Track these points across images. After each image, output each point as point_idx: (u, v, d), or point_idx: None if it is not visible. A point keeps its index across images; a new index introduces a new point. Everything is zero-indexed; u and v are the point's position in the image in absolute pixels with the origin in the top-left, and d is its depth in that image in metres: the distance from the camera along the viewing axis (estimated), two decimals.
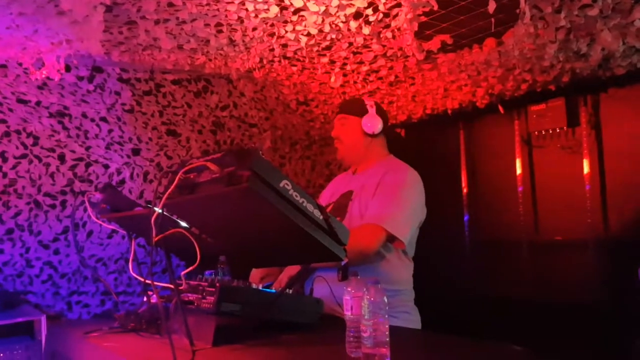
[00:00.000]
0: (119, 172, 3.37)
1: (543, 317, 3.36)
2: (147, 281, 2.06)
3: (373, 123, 2.27)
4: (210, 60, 2.94)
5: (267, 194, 1.54)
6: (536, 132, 3.60)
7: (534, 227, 3.66)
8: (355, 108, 2.29)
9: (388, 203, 2.11)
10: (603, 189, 3.31)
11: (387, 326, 1.48)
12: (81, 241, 3.27)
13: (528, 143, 3.70)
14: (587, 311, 3.21)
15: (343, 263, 1.88)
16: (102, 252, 3.35)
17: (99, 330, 2.31)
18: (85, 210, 3.20)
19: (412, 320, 2.22)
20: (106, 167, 3.32)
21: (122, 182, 3.38)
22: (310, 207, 1.66)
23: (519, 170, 3.74)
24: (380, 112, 2.30)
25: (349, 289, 1.67)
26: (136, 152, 3.42)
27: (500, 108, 3.51)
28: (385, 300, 1.48)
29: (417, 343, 1.87)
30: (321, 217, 1.69)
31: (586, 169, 3.35)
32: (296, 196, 1.61)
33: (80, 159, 3.23)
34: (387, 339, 1.49)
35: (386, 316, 1.48)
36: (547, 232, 3.58)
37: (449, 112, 3.68)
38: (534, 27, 2.32)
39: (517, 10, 2.22)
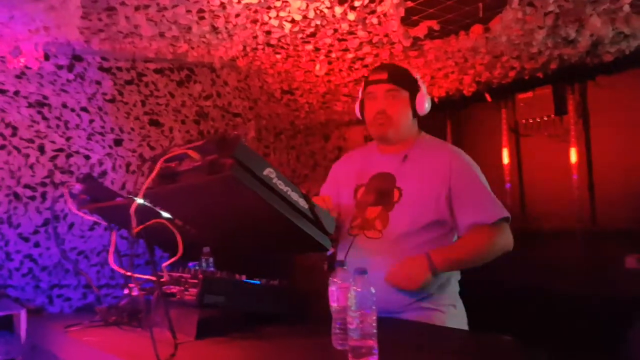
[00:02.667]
0: (100, 163, 3.30)
1: (531, 306, 3.36)
2: (128, 273, 2.01)
3: (427, 104, 2.07)
4: (192, 48, 2.88)
5: (250, 182, 1.50)
6: (523, 121, 3.59)
7: (522, 216, 3.65)
8: (407, 81, 2.05)
9: (484, 196, 2.01)
10: (590, 177, 3.31)
11: (374, 317, 1.45)
12: (62, 233, 3.20)
13: (515, 132, 3.69)
14: (575, 299, 3.22)
15: (329, 253, 1.85)
16: (84, 245, 3.28)
17: (80, 324, 2.26)
18: (66, 202, 3.14)
19: (458, 315, 2.06)
20: (87, 158, 3.24)
21: (104, 173, 3.31)
22: (294, 196, 1.62)
23: (506, 160, 3.72)
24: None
25: (335, 280, 1.64)
26: (118, 142, 3.35)
27: (488, 96, 3.49)
28: (373, 290, 1.45)
29: (404, 334, 1.84)
30: (306, 206, 1.66)
31: (573, 157, 3.34)
32: (280, 184, 1.58)
33: (61, 150, 3.15)
34: (375, 331, 1.45)
35: (373, 307, 1.44)
36: (535, 221, 3.57)
37: (436, 100, 3.65)
38: (522, 13, 2.28)
39: None
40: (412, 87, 2.05)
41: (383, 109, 2.03)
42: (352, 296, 1.45)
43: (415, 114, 2.07)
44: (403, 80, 2.04)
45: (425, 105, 2.07)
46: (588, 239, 3.29)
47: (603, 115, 3.26)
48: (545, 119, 3.46)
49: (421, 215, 1.97)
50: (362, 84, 2.14)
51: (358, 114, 2.18)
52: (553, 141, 3.47)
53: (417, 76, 2.09)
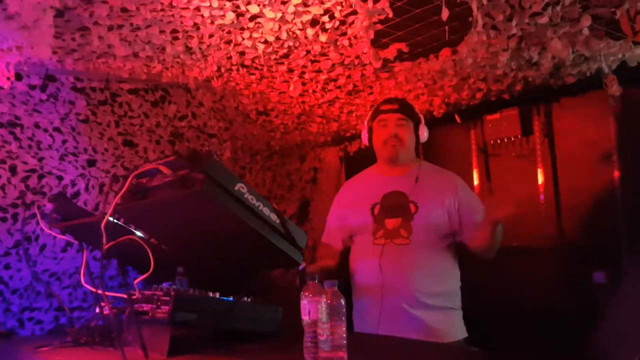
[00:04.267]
0: (73, 184, 3.28)
1: (500, 322, 3.39)
2: (99, 292, 2.00)
3: (425, 132, 2.54)
4: (167, 68, 2.90)
5: (222, 197, 1.52)
6: (492, 141, 3.68)
7: None
8: (413, 114, 2.50)
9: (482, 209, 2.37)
10: (557, 196, 3.39)
11: (344, 329, 1.47)
12: (34, 255, 3.15)
13: (484, 152, 3.77)
14: (544, 315, 3.27)
15: (300, 268, 1.87)
16: (56, 267, 3.24)
17: (50, 345, 2.23)
18: (37, 223, 3.10)
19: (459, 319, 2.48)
20: (60, 178, 3.22)
21: (77, 194, 3.29)
22: (266, 211, 1.65)
23: (476, 181, 3.79)
24: None
25: (307, 293, 1.66)
26: (91, 163, 3.33)
27: (457, 117, 3.57)
28: (343, 302, 1.48)
29: (374, 346, 1.86)
30: (278, 221, 1.69)
31: (540, 176, 3.43)
32: (252, 199, 1.60)
33: (33, 171, 3.12)
34: (345, 342, 1.47)
35: (343, 319, 1.47)
36: (505, 238, 3.63)
37: None
38: (486, 35, 2.37)
39: (470, 19, 2.27)
40: (416, 119, 2.51)
41: (395, 133, 2.45)
42: (323, 308, 1.47)
43: (417, 141, 2.52)
44: (410, 112, 2.49)
45: (425, 134, 2.54)
46: (556, 256, 3.36)
47: (567, 135, 3.36)
48: (513, 139, 3.55)
49: (438, 223, 2.39)
50: (370, 114, 2.57)
51: (365, 141, 2.61)
52: (520, 160, 3.56)
53: (418, 111, 2.55)
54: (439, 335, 2.26)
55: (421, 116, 2.54)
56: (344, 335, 1.48)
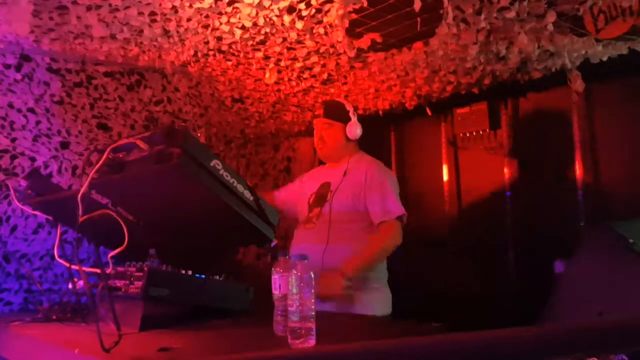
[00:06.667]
0: (46, 166, 3.27)
1: (468, 313, 3.49)
2: (74, 267, 2.02)
3: (356, 130, 2.72)
4: (144, 52, 2.92)
5: (197, 172, 1.57)
6: (461, 134, 3.78)
7: (459, 226, 3.82)
8: (340, 114, 2.72)
9: (386, 197, 2.57)
10: (522, 188, 3.50)
11: (312, 301, 1.53)
12: (4, 236, 3.13)
13: (454, 145, 3.87)
14: (509, 305, 3.39)
15: (272, 244, 1.93)
16: (27, 248, 3.22)
17: (21, 321, 2.24)
18: (9, 204, 3.09)
19: (382, 298, 2.63)
20: (33, 160, 3.20)
21: (50, 176, 3.28)
22: (240, 188, 1.70)
23: (445, 177, 3.89)
24: (358, 117, 2.76)
25: (278, 268, 1.71)
26: (65, 145, 3.32)
27: (428, 110, 3.65)
28: (312, 275, 1.53)
29: (342, 324, 1.93)
30: (252, 198, 1.74)
31: (506, 169, 3.55)
32: (227, 176, 1.65)
33: (5, 151, 3.10)
34: (313, 314, 1.53)
35: (312, 291, 1.53)
36: (470, 230, 3.74)
37: (380, 113, 3.79)
38: (456, 28, 2.45)
39: (441, 11, 2.34)
40: (344, 118, 2.72)
41: (321, 137, 2.75)
42: (293, 280, 1.53)
43: (348, 138, 2.72)
44: (335, 114, 2.72)
45: (354, 131, 2.72)
46: (520, 246, 3.48)
47: (532, 130, 3.48)
48: (481, 132, 3.66)
49: (343, 208, 2.59)
50: None
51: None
52: (488, 154, 3.68)
53: (350, 109, 2.74)
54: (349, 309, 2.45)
55: (352, 114, 2.71)
56: (313, 307, 1.54)
